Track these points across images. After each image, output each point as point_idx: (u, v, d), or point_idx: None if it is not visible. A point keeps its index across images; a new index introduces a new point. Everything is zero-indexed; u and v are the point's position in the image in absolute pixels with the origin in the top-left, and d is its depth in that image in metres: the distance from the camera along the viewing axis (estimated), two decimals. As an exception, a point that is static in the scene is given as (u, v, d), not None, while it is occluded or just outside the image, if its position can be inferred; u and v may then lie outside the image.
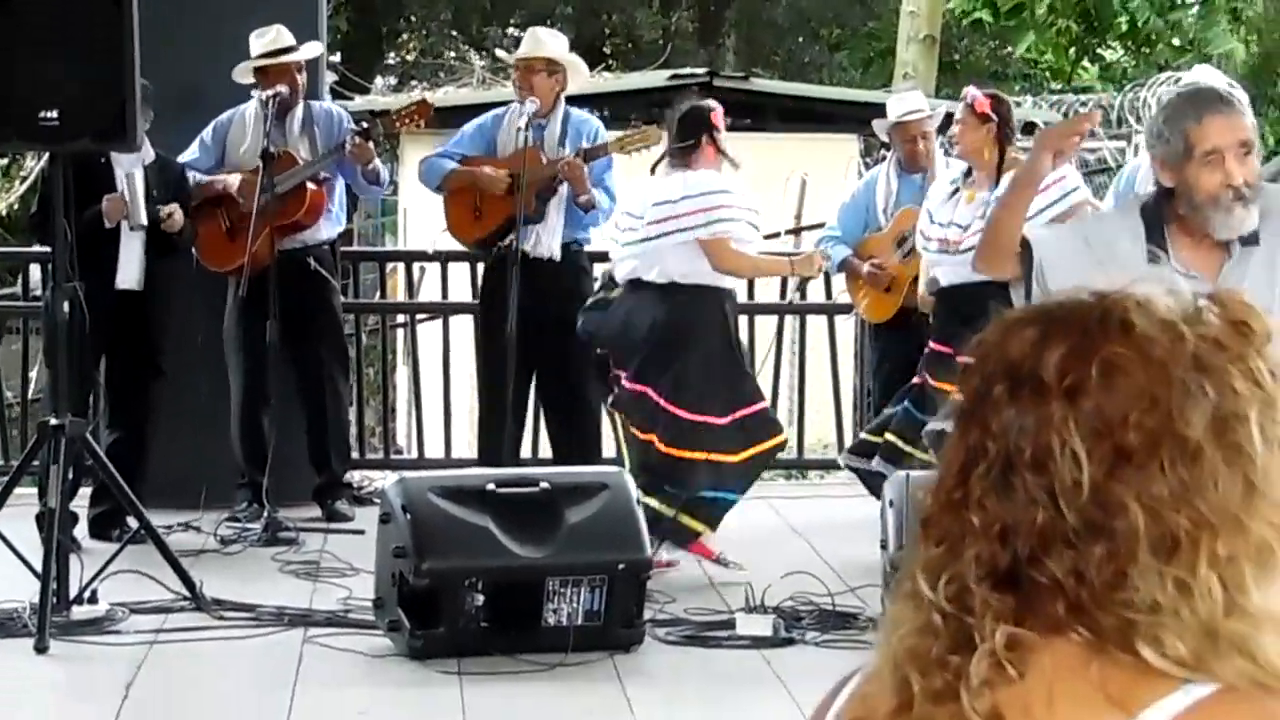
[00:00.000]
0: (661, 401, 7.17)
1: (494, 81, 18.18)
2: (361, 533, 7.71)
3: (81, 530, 7.61)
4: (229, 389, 8.39)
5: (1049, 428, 1.38)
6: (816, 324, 9.69)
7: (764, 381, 8.60)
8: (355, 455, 9.13)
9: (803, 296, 9.43)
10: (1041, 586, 1.38)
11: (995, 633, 1.38)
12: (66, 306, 6.76)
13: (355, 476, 9.00)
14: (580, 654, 6.08)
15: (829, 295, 9.54)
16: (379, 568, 6.38)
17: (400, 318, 11.01)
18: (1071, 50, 19.64)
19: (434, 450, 9.50)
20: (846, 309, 8.92)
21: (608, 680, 5.99)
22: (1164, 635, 1.36)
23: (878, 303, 8.28)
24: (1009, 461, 1.39)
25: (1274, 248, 4.43)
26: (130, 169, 7.72)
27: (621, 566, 6.20)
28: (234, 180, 8.27)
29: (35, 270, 9.37)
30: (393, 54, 26.29)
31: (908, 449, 7.47)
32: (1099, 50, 20.25)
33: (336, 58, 20.37)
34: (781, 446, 7.59)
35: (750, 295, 9.04)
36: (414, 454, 9.80)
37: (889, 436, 7.63)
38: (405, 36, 26.53)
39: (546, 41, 8.21)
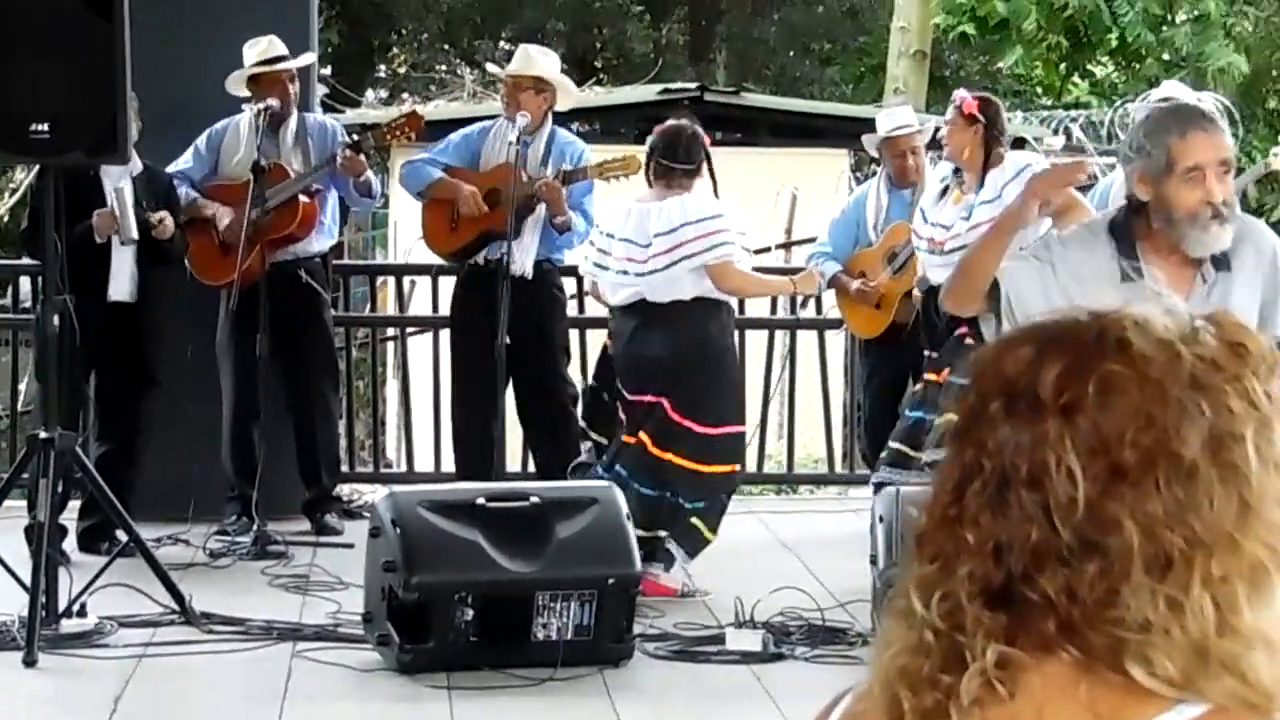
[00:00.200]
0: (688, 423, 7.16)
1: (485, 95, 18.18)
2: (351, 546, 7.71)
3: (70, 543, 7.59)
4: (218, 402, 8.38)
5: (1045, 445, 1.38)
6: (807, 339, 9.70)
7: (754, 396, 8.61)
8: (345, 469, 9.12)
9: (800, 307, 9.45)
10: (1033, 604, 1.38)
11: (987, 651, 1.38)
12: (57, 320, 6.76)
13: (345, 490, 8.99)
14: (570, 669, 6.08)
15: (819, 310, 9.55)
16: (368, 582, 6.37)
17: (390, 331, 11.01)
18: (1061, 66, 19.67)
19: (424, 464, 9.49)
20: (837, 324, 8.93)
21: (597, 695, 5.98)
22: (1153, 654, 1.36)
23: (868, 319, 8.29)
24: (1004, 478, 1.40)
25: (1253, 273, 4.44)
26: (119, 180, 7.72)
27: (611, 581, 6.20)
28: (224, 216, 8.25)
29: (25, 282, 9.36)
30: (383, 67, 26.29)
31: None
32: (1088, 66, 20.29)
33: (327, 70, 20.39)
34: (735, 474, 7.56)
35: (741, 310, 9.04)
36: (404, 468, 9.80)
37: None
38: (396, 50, 26.53)
39: (537, 60, 8.20)
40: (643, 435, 7.18)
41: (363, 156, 8.34)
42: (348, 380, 9.33)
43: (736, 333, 8.24)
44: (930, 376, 7.46)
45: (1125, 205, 4.49)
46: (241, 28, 8.32)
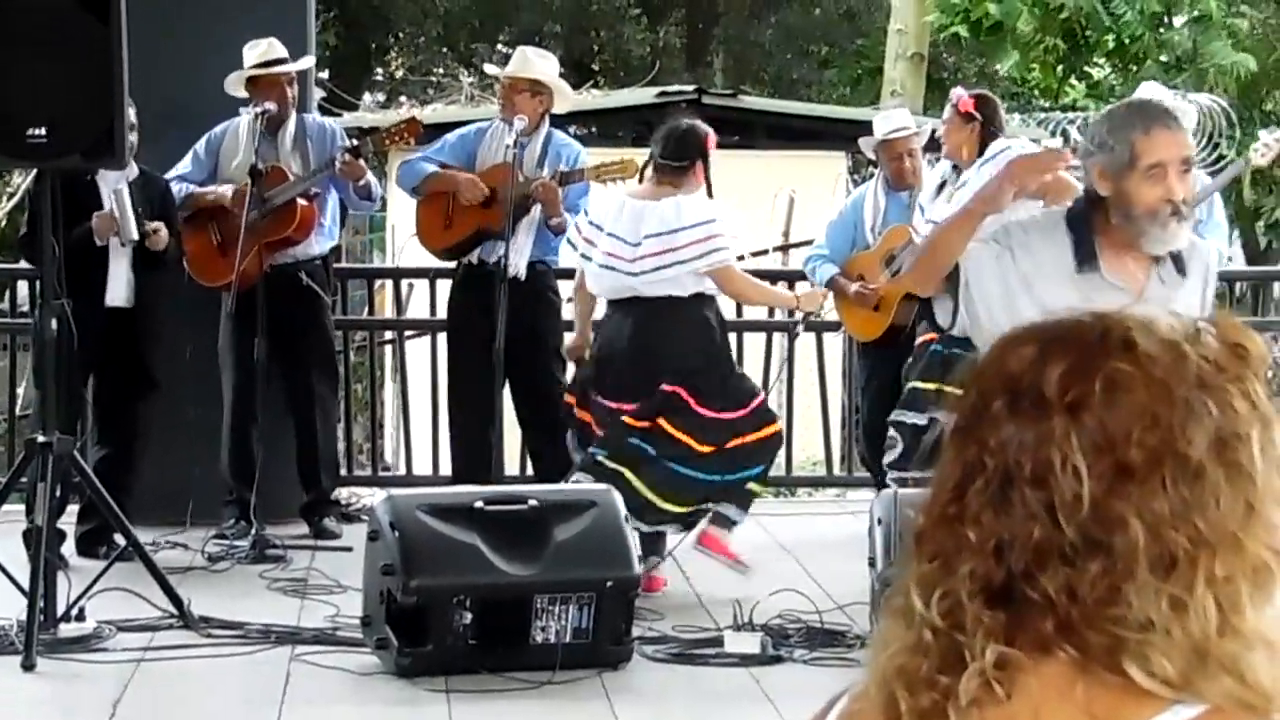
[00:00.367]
0: (721, 415, 7.20)
1: (482, 98, 18.19)
2: (349, 550, 7.71)
3: (69, 548, 7.59)
4: (217, 405, 8.38)
5: (1050, 443, 1.38)
6: (805, 342, 9.69)
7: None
8: (343, 472, 9.12)
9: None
10: (1033, 603, 1.38)
11: (986, 651, 1.38)
12: (55, 324, 6.75)
13: (343, 493, 8.99)
14: (568, 671, 6.08)
15: (818, 314, 9.53)
16: (367, 585, 6.37)
17: (388, 334, 11.01)
18: (1058, 68, 19.66)
19: (422, 467, 9.49)
20: (835, 326, 8.92)
21: (596, 698, 5.98)
22: (1152, 654, 1.36)
23: (866, 321, 8.29)
24: (1008, 476, 1.39)
25: (1198, 281, 4.46)
26: (116, 184, 7.71)
27: (610, 584, 6.19)
28: (226, 191, 8.26)
29: (23, 287, 9.35)
30: (381, 70, 26.29)
31: None
32: (1085, 68, 20.28)
33: (324, 74, 20.38)
34: None
35: (739, 313, 9.04)
36: (402, 471, 9.81)
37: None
38: (393, 53, 26.53)
39: (534, 62, 8.20)
40: (663, 423, 7.18)
41: (361, 161, 8.33)
42: (346, 383, 9.33)
43: (734, 335, 8.27)
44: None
45: (1083, 199, 4.49)
46: (240, 30, 8.32)
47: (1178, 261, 4.42)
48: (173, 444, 8.22)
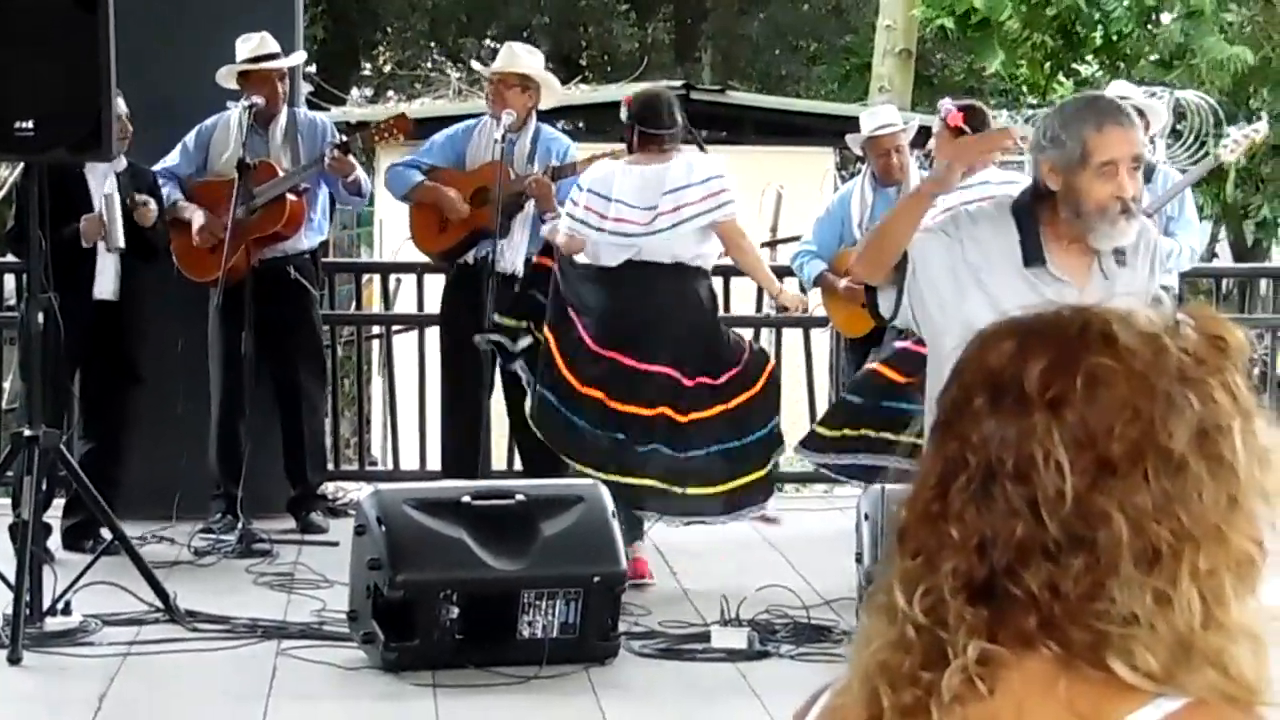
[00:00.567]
0: (715, 380, 7.29)
1: (470, 93, 18.17)
2: (336, 545, 7.70)
3: (55, 541, 7.58)
4: (205, 400, 8.36)
5: (1032, 438, 1.38)
6: (793, 337, 9.70)
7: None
8: (330, 467, 9.11)
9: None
10: (1015, 599, 1.39)
11: (968, 647, 1.38)
12: (41, 318, 6.74)
13: (330, 488, 8.98)
14: (555, 666, 6.08)
15: (805, 309, 9.54)
16: (354, 580, 6.36)
17: (375, 329, 11.00)
18: (1047, 65, 19.65)
19: (409, 462, 9.48)
20: (823, 322, 8.93)
21: (582, 693, 5.98)
22: (1136, 648, 1.36)
23: (853, 317, 8.28)
24: (990, 472, 1.40)
25: (1142, 268, 4.47)
26: (104, 177, 7.71)
27: (596, 579, 6.19)
28: (198, 219, 8.22)
29: (9, 280, 9.34)
30: (369, 65, 26.27)
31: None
32: (1074, 65, 20.28)
33: (312, 68, 20.35)
34: None
35: (727, 308, 9.04)
36: (389, 466, 9.79)
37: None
38: (381, 47, 26.51)
39: (522, 57, 8.20)
40: (667, 410, 7.22)
41: (350, 157, 8.32)
42: (333, 378, 9.31)
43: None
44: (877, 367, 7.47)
45: (1029, 191, 4.50)
46: (229, 24, 8.30)
47: (1119, 253, 4.43)
48: (160, 438, 8.21)
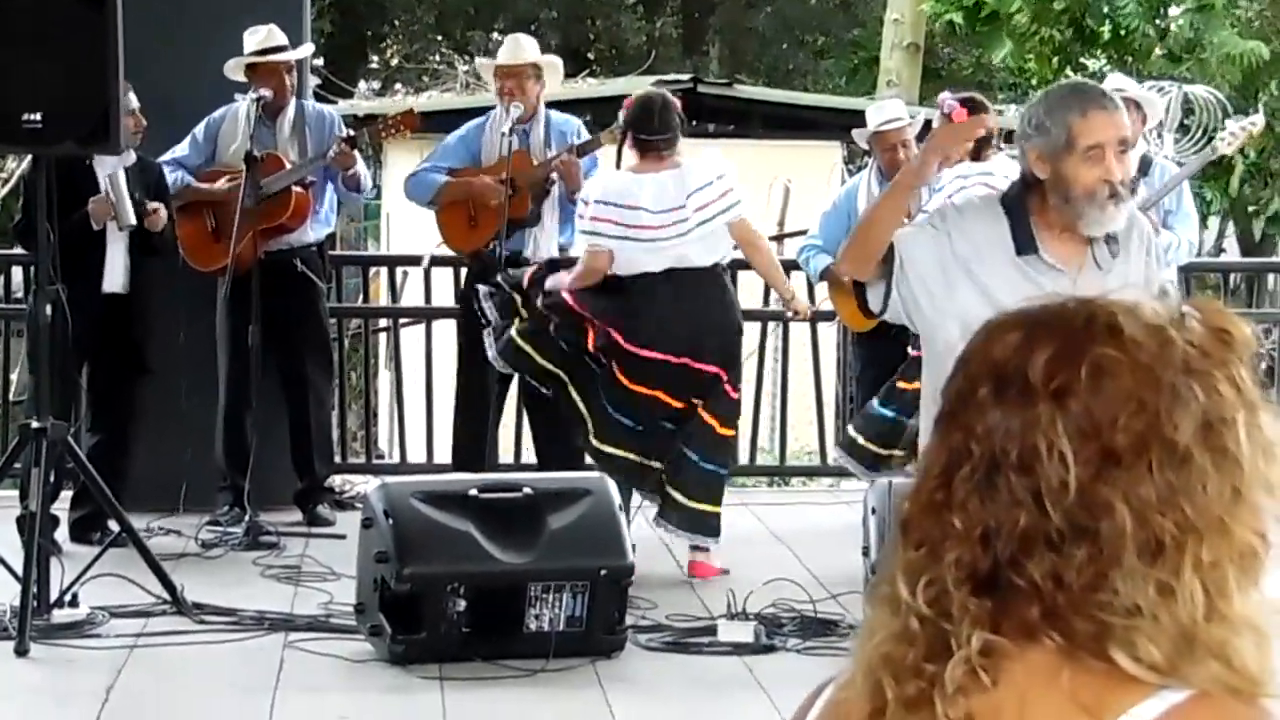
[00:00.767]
0: (735, 394, 7.35)
1: (477, 86, 18.15)
2: (343, 537, 7.70)
3: (62, 533, 7.59)
4: (213, 392, 8.37)
5: (1036, 429, 1.38)
6: (799, 331, 9.70)
7: (747, 388, 8.61)
8: (337, 459, 9.12)
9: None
10: (1019, 590, 1.39)
11: (972, 638, 1.38)
12: (49, 310, 6.75)
13: (337, 481, 8.98)
14: (562, 660, 6.08)
15: (812, 302, 9.54)
16: (360, 572, 6.37)
17: (383, 322, 11.01)
18: (1055, 59, 19.62)
19: (416, 455, 9.49)
20: (830, 316, 8.93)
21: (589, 686, 5.99)
22: (1139, 640, 1.36)
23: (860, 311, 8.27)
24: (994, 463, 1.40)
25: (1136, 258, 4.46)
26: (112, 170, 7.71)
27: (603, 572, 6.20)
28: (221, 185, 8.25)
29: (17, 273, 9.35)
30: (376, 58, 26.27)
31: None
32: (1083, 59, 20.25)
33: (319, 61, 20.35)
34: None
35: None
36: (396, 458, 9.80)
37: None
38: (389, 41, 26.51)
39: (528, 46, 8.27)
40: (705, 414, 7.23)
41: (355, 151, 8.32)
42: (340, 371, 9.32)
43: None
44: (901, 384, 7.50)
45: (1019, 181, 4.49)
46: (237, 17, 8.30)
47: (1112, 241, 4.42)
48: (167, 430, 8.22)
